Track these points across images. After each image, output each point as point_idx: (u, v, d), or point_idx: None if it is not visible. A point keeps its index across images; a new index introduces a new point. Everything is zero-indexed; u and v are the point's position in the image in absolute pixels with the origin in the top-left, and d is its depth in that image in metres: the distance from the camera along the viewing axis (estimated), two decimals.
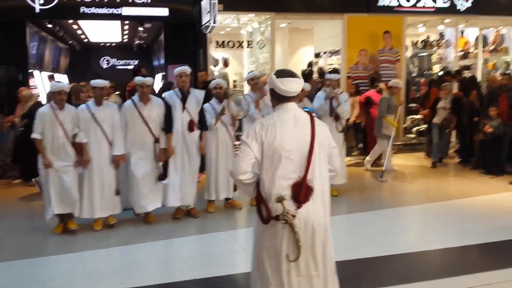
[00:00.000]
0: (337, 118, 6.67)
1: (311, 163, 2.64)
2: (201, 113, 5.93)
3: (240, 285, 4.17)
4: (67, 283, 4.19)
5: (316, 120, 2.78)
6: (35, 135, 5.31)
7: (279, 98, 2.74)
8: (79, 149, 5.41)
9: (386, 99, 8.23)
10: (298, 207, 2.61)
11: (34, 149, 5.43)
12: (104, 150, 5.50)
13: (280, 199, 2.58)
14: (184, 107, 5.77)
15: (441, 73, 12.05)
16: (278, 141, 2.64)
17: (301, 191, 2.61)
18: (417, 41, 11.70)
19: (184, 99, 5.79)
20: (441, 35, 12.51)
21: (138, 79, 5.60)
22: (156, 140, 5.67)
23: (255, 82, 6.43)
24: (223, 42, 10.77)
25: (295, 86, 2.73)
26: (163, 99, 5.83)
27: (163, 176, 5.73)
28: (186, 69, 5.83)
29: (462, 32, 12.67)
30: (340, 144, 6.73)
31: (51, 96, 5.49)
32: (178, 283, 4.13)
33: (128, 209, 5.92)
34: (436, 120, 8.70)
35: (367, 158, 8.66)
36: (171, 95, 5.88)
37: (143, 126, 5.60)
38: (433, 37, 12.38)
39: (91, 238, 5.34)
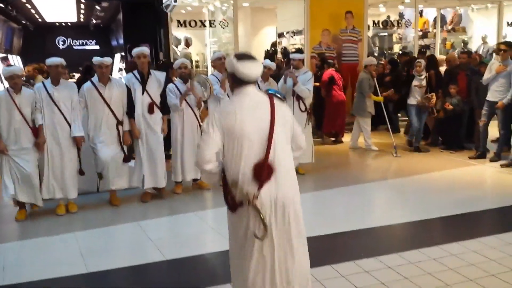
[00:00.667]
0: (299, 98, 6.66)
1: (271, 144, 2.63)
2: (163, 96, 5.82)
3: (211, 264, 4.16)
4: (33, 269, 4.05)
5: (276, 101, 2.77)
6: None
7: (239, 82, 2.70)
8: (37, 133, 5.21)
9: (367, 79, 8.22)
10: (260, 186, 2.59)
11: None
12: (63, 130, 5.31)
13: (233, 183, 2.60)
14: (144, 89, 5.65)
15: (400, 52, 12.30)
16: (238, 125, 2.60)
17: (263, 171, 2.59)
18: (378, 21, 11.83)
19: (144, 81, 5.66)
20: (401, 15, 12.71)
21: (96, 59, 5.42)
22: (119, 123, 5.53)
23: (222, 62, 6.35)
24: (184, 21, 10.51)
25: (256, 69, 2.70)
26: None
27: (128, 158, 5.63)
28: (145, 50, 5.69)
29: (421, 12, 12.92)
30: (303, 123, 6.74)
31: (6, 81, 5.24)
32: (149, 265, 4.07)
33: (91, 192, 5.81)
34: (413, 100, 8.23)
35: (366, 142, 8.47)
36: (129, 78, 5.75)
37: (104, 107, 5.45)
38: (393, 17, 12.57)
39: (56, 223, 5.20)
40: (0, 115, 5.09)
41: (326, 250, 4.28)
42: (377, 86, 8.37)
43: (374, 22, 11.70)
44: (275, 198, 2.62)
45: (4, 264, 4.16)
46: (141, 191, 5.87)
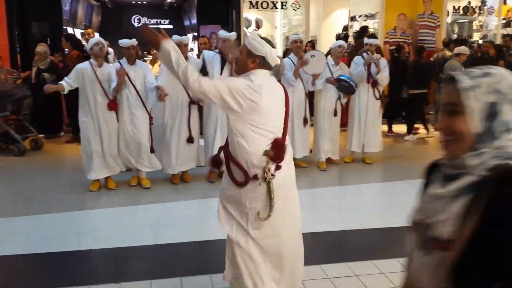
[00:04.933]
0: (374, 84, 6.52)
1: (287, 125, 2.70)
2: None
3: None
4: (104, 237, 4.28)
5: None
6: (64, 83, 5.33)
7: (265, 65, 2.66)
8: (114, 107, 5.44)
9: (460, 67, 7.83)
10: (277, 168, 2.60)
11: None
12: (137, 108, 5.52)
13: (267, 153, 2.53)
14: (222, 71, 5.62)
15: (480, 41, 11.65)
16: (265, 102, 2.54)
17: (281, 151, 2.60)
18: (458, 7, 11.23)
19: (223, 62, 5.63)
20: (483, 2, 12.00)
21: (175, 37, 5.50)
22: (192, 102, 5.66)
23: (298, 45, 6.29)
24: (256, 2, 10.52)
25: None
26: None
27: (191, 139, 5.74)
28: (231, 36, 5.70)
29: None
30: (377, 111, 6.64)
31: (90, 53, 5.45)
32: (213, 241, 4.17)
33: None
34: None
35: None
36: (212, 55, 5.73)
37: (179, 87, 5.56)
38: (475, 3, 11.89)
39: (128, 195, 5.45)
40: (83, 88, 5.35)
41: (391, 243, 4.19)
42: None
43: (454, 7, 11.13)
44: (284, 181, 2.65)
45: (80, 230, 4.42)
46: (208, 170, 6.00)
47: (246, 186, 2.58)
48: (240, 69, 2.69)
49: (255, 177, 2.56)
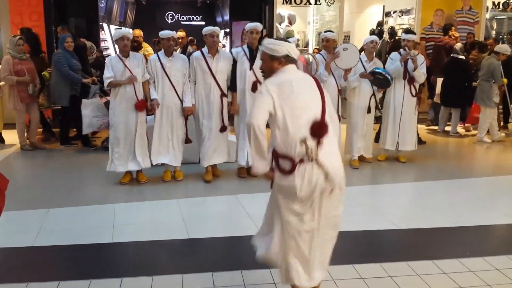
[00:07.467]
0: (410, 81, 6.37)
1: (325, 112, 2.69)
2: None
3: None
4: (138, 229, 4.33)
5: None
6: (107, 81, 5.34)
7: (287, 60, 2.79)
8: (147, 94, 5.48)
9: (499, 65, 7.72)
10: (318, 143, 2.63)
11: None
12: (171, 100, 5.54)
13: (303, 140, 2.62)
14: (251, 67, 5.58)
15: None
16: (295, 93, 2.67)
17: (322, 127, 2.65)
18: (498, 3, 10.87)
19: (252, 58, 5.59)
20: None
21: (207, 28, 5.52)
22: (223, 95, 5.62)
23: (331, 42, 6.18)
24: None
25: (296, 49, 2.84)
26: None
27: (224, 128, 5.68)
28: (258, 26, 5.61)
29: None
30: (413, 109, 6.49)
31: (116, 43, 5.46)
32: (244, 237, 4.16)
33: (194, 162, 6.03)
34: None
35: (479, 135, 8.09)
36: (239, 52, 5.71)
37: (210, 79, 5.55)
38: None
39: (160, 189, 5.50)
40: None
41: (426, 244, 4.09)
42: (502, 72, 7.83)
43: (493, 3, 10.77)
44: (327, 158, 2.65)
45: (114, 223, 4.47)
46: (238, 165, 5.98)
47: (294, 172, 2.64)
48: (269, 75, 2.84)
49: (302, 161, 2.63)
